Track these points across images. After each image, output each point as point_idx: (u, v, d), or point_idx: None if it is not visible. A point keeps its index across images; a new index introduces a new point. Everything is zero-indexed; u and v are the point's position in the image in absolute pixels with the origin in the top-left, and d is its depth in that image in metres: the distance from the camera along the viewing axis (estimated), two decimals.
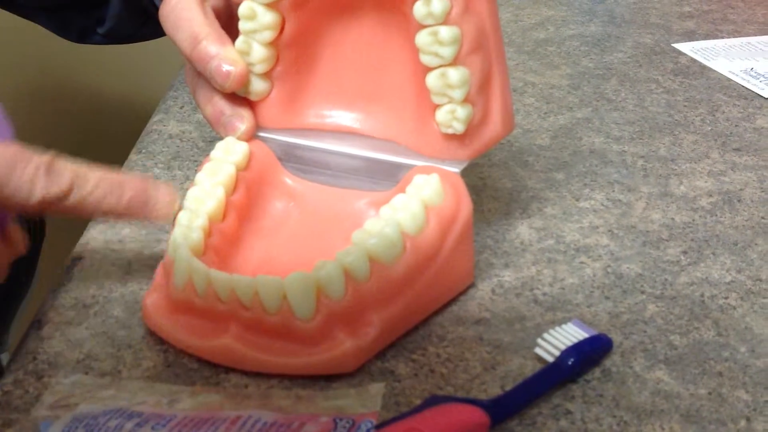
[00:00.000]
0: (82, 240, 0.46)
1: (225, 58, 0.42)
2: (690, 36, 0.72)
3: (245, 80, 0.43)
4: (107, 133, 1.07)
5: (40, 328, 0.39)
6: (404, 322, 0.39)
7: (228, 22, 0.44)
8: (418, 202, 0.39)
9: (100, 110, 1.15)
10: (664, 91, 0.62)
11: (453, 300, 0.41)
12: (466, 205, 0.40)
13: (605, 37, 0.72)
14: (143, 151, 0.54)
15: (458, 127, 0.41)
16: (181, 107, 0.59)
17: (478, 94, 0.41)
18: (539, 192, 0.50)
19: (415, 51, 0.41)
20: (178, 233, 0.38)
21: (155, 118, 0.58)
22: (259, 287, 0.35)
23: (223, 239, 0.40)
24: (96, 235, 0.46)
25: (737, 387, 0.36)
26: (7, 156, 0.36)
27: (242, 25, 0.42)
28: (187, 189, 0.41)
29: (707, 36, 0.72)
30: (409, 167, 0.42)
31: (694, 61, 0.67)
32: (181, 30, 0.43)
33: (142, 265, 0.44)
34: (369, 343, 0.37)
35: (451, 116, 0.41)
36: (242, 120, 0.43)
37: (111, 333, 0.39)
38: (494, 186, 0.51)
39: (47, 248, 0.78)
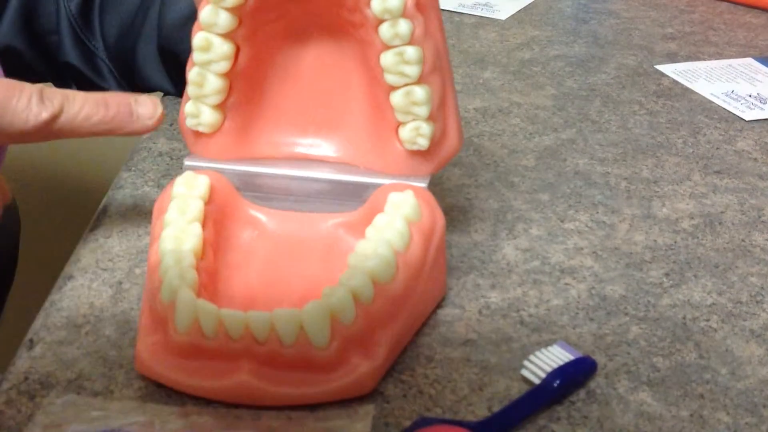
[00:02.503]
0: (73, 258, 0.46)
1: None
2: (672, 58, 0.73)
3: None
4: (97, 151, 1.07)
5: (32, 347, 0.40)
6: (405, 337, 0.40)
7: None
8: (402, 220, 0.40)
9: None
10: (646, 112, 0.64)
11: (441, 321, 0.42)
12: (440, 218, 0.42)
13: (589, 58, 0.73)
14: (133, 169, 0.54)
15: (423, 143, 0.42)
16: (171, 124, 0.59)
17: (438, 111, 0.43)
18: (525, 213, 0.51)
19: (369, 73, 0.43)
20: (172, 276, 0.37)
21: (144, 135, 0.58)
22: (275, 321, 0.35)
23: (207, 276, 0.39)
24: (86, 254, 0.46)
25: (718, 409, 0.37)
26: (2, 89, 0.40)
27: (197, 57, 0.42)
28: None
29: (689, 58, 0.73)
30: (375, 186, 0.43)
31: (676, 83, 0.68)
32: None
33: (133, 284, 0.44)
34: (381, 362, 0.38)
35: (416, 133, 0.42)
36: None
37: (103, 353, 0.40)
38: (481, 207, 0.52)
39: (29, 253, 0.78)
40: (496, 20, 0.80)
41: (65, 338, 0.40)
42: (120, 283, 0.44)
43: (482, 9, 0.82)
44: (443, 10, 0.82)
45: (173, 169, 0.54)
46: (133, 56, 0.63)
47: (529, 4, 0.84)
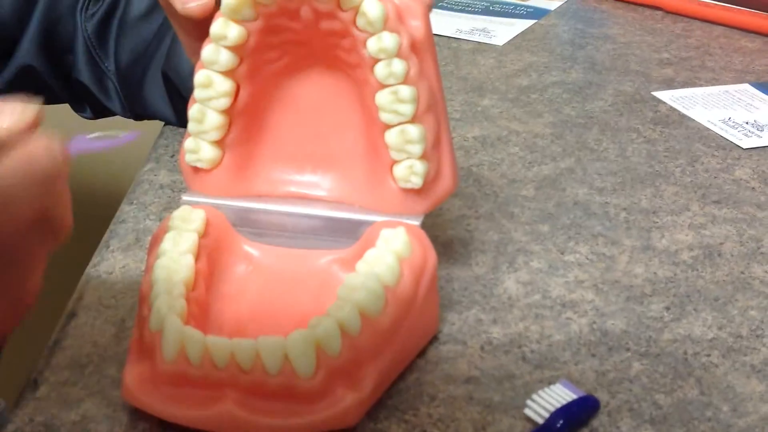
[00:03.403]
0: (76, 295, 0.46)
1: None
2: (669, 83, 0.74)
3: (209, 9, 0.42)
4: (98, 183, 1.07)
5: (36, 388, 0.40)
6: (393, 372, 0.40)
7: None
8: (392, 255, 0.40)
9: (91, 160, 1.15)
10: (644, 140, 0.64)
11: (444, 357, 0.42)
12: (432, 256, 0.42)
13: (586, 84, 0.73)
14: (135, 202, 0.55)
15: (416, 181, 0.43)
16: (172, 156, 0.59)
17: (432, 150, 0.43)
18: (525, 245, 0.52)
19: (365, 112, 0.44)
20: (161, 304, 0.38)
21: (146, 167, 0.59)
22: (260, 349, 0.36)
23: (198, 307, 0.40)
24: (89, 291, 0.46)
25: None
26: None
27: (198, 94, 0.43)
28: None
29: (686, 83, 0.74)
30: (368, 223, 0.44)
31: (673, 109, 0.69)
32: None
33: None
34: (368, 395, 0.38)
35: (410, 171, 0.43)
36: None
37: (106, 393, 0.40)
38: (481, 239, 0.52)
39: None
40: (494, 46, 0.81)
41: (69, 378, 0.40)
42: (123, 320, 0.44)
43: (480, 35, 0.83)
44: (441, 35, 0.82)
45: (174, 201, 0.55)
46: (141, 81, 0.63)
47: (526, 29, 0.85)
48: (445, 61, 0.77)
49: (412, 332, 0.41)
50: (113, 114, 0.68)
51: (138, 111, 0.65)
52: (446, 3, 0.92)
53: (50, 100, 0.66)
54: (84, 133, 0.39)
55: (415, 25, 0.42)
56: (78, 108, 0.69)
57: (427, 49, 0.42)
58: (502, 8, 0.91)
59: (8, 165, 0.33)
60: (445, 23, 0.85)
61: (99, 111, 0.68)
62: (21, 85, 0.47)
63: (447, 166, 0.44)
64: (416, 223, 0.43)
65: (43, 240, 0.35)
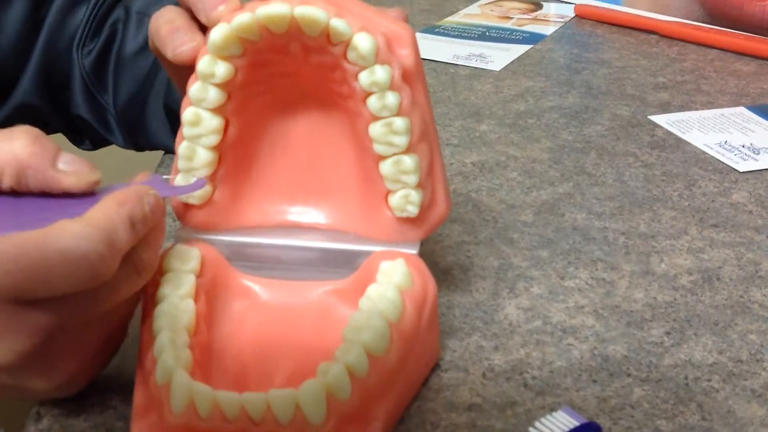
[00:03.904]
0: None
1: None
2: (665, 107, 0.74)
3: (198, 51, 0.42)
4: None
5: (39, 419, 0.40)
6: (401, 407, 0.40)
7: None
8: (394, 290, 0.40)
9: None
10: (642, 165, 0.64)
11: (445, 385, 0.42)
12: (432, 285, 0.42)
13: (583, 108, 0.74)
14: None
15: (412, 210, 0.43)
16: None
17: (426, 179, 0.43)
18: (525, 270, 0.52)
19: (357, 142, 0.44)
20: (167, 358, 0.37)
21: None
22: (271, 401, 0.35)
23: (201, 352, 0.39)
24: None
25: None
26: None
27: (186, 131, 0.42)
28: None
29: (682, 107, 0.74)
30: (366, 253, 0.44)
31: (670, 133, 0.69)
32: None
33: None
34: None
35: (406, 201, 0.43)
36: (192, 37, 0.42)
37: (109, 425, 0.40)
38: (481, 265, 0.52)
39: None
40: (491, 71, 0.81)
41: (72, 410, 0.40)
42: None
43: (476, 60, 0.84)
44: (438, 61, 0.83)
45: (174, 230, 0.55)
46: (141, 114, 0.64)
47: (522, 54, 0.86)
48: (443, 87, 0.78)
49: (416, 365, 0.41)
50: (110, 144, 0.69)
51: (140, 143, 0.66)
52: (443, 29, 0.92)
53: (49, 133, 0.66)
54: (161, 176, 0.41)
55: (405, 53, 0.42)
56: (76, 141, 0.70)
57: (417, 77, 0.42)
58: (498, 34, 0.91)
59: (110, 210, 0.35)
60: (443, 49, 0.86)
61: (98, 143, 0.69)
62: (19, 121, 0.48)
63: (441, 192, 0.44)
64: (413, 251, 0.43)
65: (129, 277, 0.37)
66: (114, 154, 0.77)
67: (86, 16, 0.65)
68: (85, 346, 0.37)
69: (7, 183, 0.37)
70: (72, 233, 0.33)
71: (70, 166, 0.37)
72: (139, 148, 0.67)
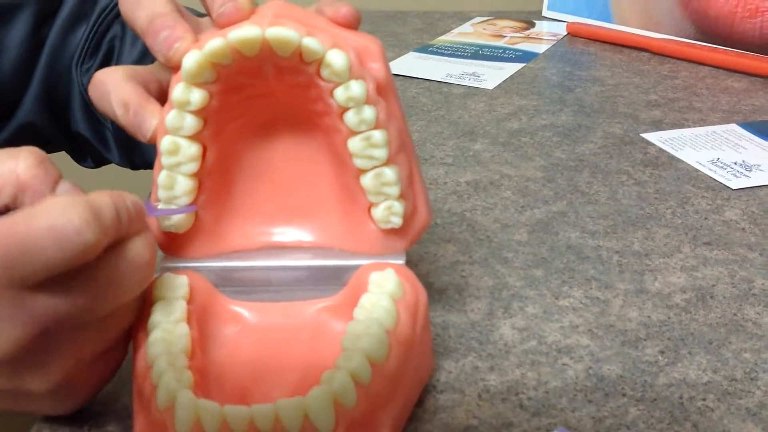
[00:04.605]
0: None
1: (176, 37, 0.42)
2: (657, 125, 0.75)
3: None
4: None
5: None
6: (405, 414, 0.40)
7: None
8: (387, 298, 0.41)
9: None
10: (635, 182, 0.65)
11: (441, 406, 0.42)
12: (422, 292, 0.43)
13: (576, 127, 0.74)
14: None
15: (397, 221, 0.44)
16: None
17: (407, 189, 0.44)
18: (520, 290, 0.52)
19: (335, 158, 0.44)
20: (168, 380, 0.37)
21: None
22: (280, 411, 0.35)
23: (199, 376, 0.39)
24: None
25: None
26: None
27: (165, 160, 0.42)
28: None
29: (674, 125, 0.75)
30: (353, 267, 0.44)
31: (662, 151, 0.70)
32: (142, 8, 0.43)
33: None
34: None
35: (389, 212, 0.43)
36: (153, 115, 0.42)
37: None
38: (476, 284, 0.52)
39: None
40: (484, 90, 0.82)
41: None
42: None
43: (470, 79, 0.84)
44: (432, 80, 0.83)
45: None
46: None
47: (515, 73, 0.86)
48: (437, 106, 0.78)
49: (415, 373, 0.41)
50: (110, 163, 0.69)
51: (135, 161, 0.66)
52: (436, 48, 0.93)
53: (48, 151, 0.67)
54: (151, 201, 0.42)
55: (376, 67, 0.42)
56: (79, 158, 0.70)
57: (390, 89, 0.43)
58: (491, 52, 0.92)
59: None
60: (436, 68, 0.86)
61: (100, 161, 0.69)
62: (21, 140, 0.48)
63: (421, 200, 0.45)
64: (401, 261, 0.44)
65: (122, 272, 0.37)
66: (113, 172, 0.78)
67: (86, 34, 0.66)
68: (82, 346, 0.37)
69: (3, 201, 0.37)
70: (58, 203, 0.33)
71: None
72: (135, 167, 0.67)
